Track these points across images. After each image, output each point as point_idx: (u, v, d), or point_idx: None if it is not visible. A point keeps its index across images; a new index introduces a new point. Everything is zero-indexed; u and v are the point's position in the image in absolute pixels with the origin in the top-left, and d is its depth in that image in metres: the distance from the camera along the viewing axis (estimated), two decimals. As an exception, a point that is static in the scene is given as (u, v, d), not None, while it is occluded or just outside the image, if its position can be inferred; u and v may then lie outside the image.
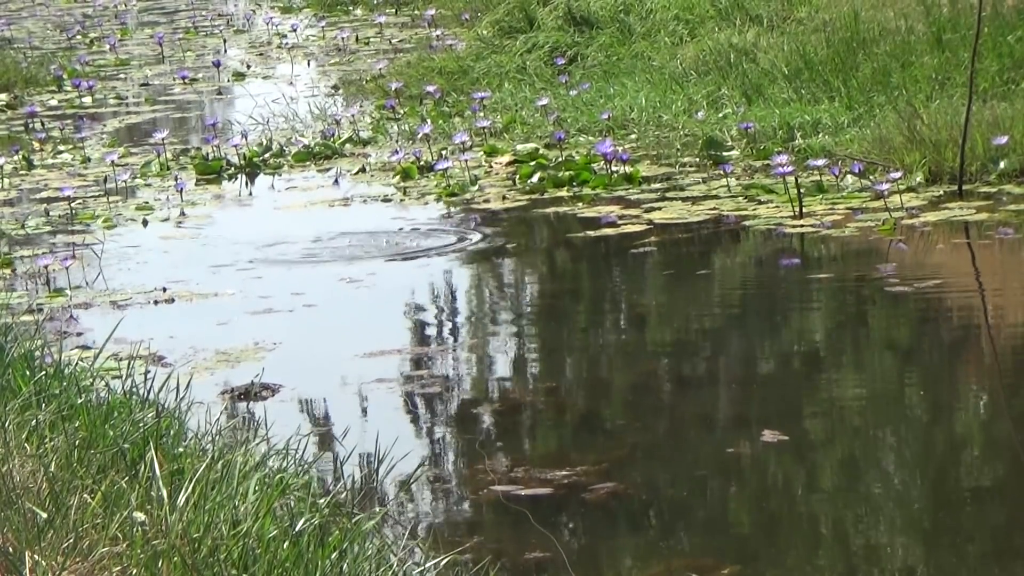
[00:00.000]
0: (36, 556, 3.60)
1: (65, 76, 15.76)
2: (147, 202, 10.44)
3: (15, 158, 11.66)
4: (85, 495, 4.10)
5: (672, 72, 12.67)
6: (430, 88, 12.97)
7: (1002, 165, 9.12)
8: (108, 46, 18.30)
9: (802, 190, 9.07)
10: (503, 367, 7.84)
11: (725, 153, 10.39)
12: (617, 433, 6.52)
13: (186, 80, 15.77)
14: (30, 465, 4.43)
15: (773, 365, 7.65)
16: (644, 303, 8.69)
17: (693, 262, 9.20)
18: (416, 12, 19.30)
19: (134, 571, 3.65)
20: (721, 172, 9.92)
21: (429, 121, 11.84)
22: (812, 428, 6.60)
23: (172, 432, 5.04)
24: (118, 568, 3.65)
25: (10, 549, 3.73)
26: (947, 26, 11.51)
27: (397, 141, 11.78)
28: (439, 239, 9.52)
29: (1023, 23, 11.43)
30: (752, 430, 6.31)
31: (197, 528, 3.79)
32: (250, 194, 11.16)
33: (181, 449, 4.88)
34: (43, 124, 13.36)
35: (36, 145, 12.48)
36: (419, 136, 11.49)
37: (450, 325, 8.52)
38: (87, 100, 14.77)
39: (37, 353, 5.86)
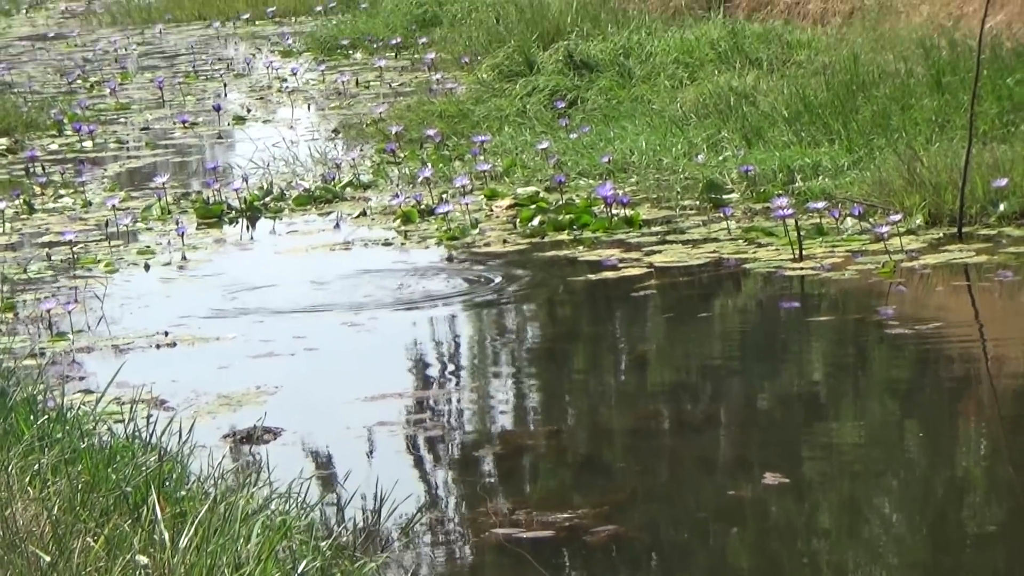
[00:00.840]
0: None
1: (66, 120, 15.94)
2: (148, 246, 10.56)
3: (16, 202, 11.87)
4: (88, 539, 4.14)
5: (672, 115, 12.80)
6: (430, 132, 13.13)
7: (1002, 208, 9.22)
8: (108, 90, 18.44)
9: (802, 233, 9.14)
10: (504, 410, 7.88)
11: (725, 196, 10.49)
12: (618, 476, 6.55)
13: (186, 124, 15.95)
14: (33, 509, 4.47)
15: (774, 408, 7.69)
16: (644, 346, 8.69)
17: (694, 305, 9.19)
18: (416, 56, 19.20)
19: None
20: (721, 215, 10.00)
21: (430, 165, 11.95)
22: (813, 471, 6.63)
23: (175, 476, 5.11)
24: None
25: None
26: (946, 69, 11.61)
27: (398, 185, 11.93)
28: (440, 283, 9.61)
29: (1022, 66, 11.53)
30: (754, 472, 6.34)
31: (200, 571, 3.85)
32: (251, 238, 11.23)
33: (183, 492, 4.92)
34: (44, 168, 13.59)
35: (37, 189, 12.62)
36: (420, 180, 11.61)
37: (451, 368, 8.50)
38: (88, 144, 14.97)
39: (40, 397, 5.95)
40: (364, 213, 11.22)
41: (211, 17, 24.48)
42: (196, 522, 4.16)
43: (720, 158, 11.37)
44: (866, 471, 6.30)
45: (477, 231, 10.37)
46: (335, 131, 15.20)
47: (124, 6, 26.26)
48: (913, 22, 13.86)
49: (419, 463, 6.80)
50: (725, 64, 14.00)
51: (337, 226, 11.10)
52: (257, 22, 24.15)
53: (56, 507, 4.47)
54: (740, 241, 9.53)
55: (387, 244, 10.49)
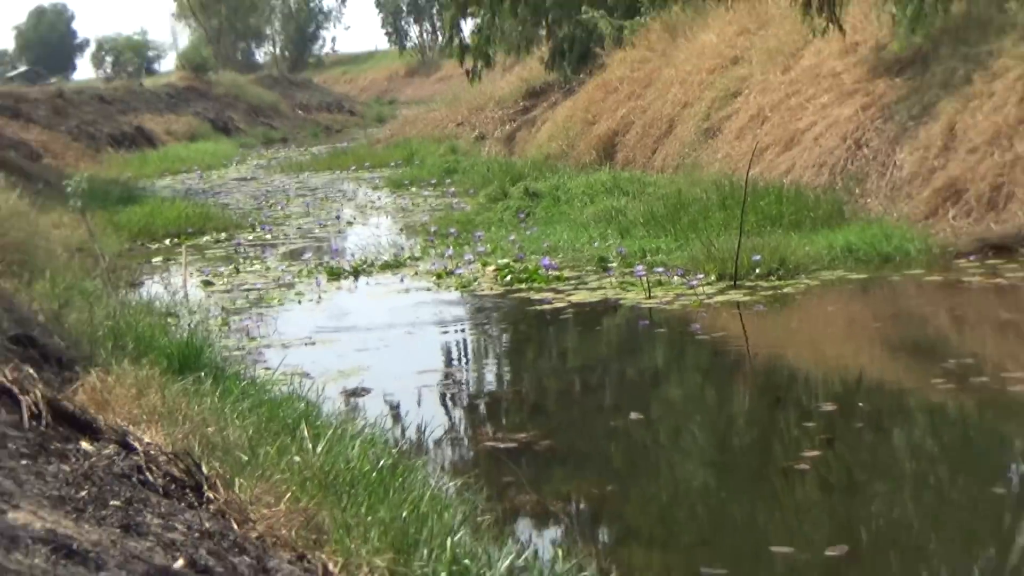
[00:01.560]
0: (241, 480, 4.55)
1: (256, 224, 19.86)
2: (300, 291, 13.06)
3: (230, 267, 15.02)
4: (267, 447, 5.22)
5: (581, 221, 15.89)
6: (452, 230, 16.22)
7: (757, 271, 11.67)
8: (279, 207, 22.92)
9: (650, 284, 11.46)
10: (490, 379, 10.01)
11: (609, 264, 12.72)
12: (551, 416, 8.32)
13: (321, 226, 19.88)
14: (239, 432, 5.42)
15: (636, 375, 9.62)
16: (566, 343, 10.99)
17: (591, 321, 11.32)
18: (444, 189, 23.50)
19: (294, 488, 4.66)
20: (606, 275, 12.44)
21: (451, 248, 14.60)
22: (657, 411, 8.43)
23: (314, 413, 6.45)
24: (285, 487, 4.65)
25: (227, 475, 4.64)
26: (728, 197, 14.28)
27: (434, 258, 14.44)
28: (457, 309, 12.20)
29: (768, 194, 14.25)
30: (624, 412, 7.98)
31: (328, 464, 5.05)
32: (355, 287, 13.42)
33: (319, 422, 6.15)
34: (244, 249, 16.80)
35: (241, 261, 15.55)
36: (446, 255, 14.19)
37: (462, 355, 10.73)
38: (268, 237, 18.32)
39: (242, 371, 7.69)
40: (416, 273, 13.80)
41: (335, 169, 31.26)
42: (326, 438, 5.37)
43: (606, 244, 13.94)
44: (683, 409, 8.33)
45: (476, 283, 12.76)
46: (401, 229, 18.79)
47: (288, 163, 34.23)
48: (712, 170, 16.72)
49: (445, 407, 8.56)
50: (609, 194, 17.49)
51: (401, 280, 13.36)
52: (359, 171, 30.26)
53: (251, 430, 5.54)
54: (617, 288, 11.83)
55: (428, 290, 12.84)
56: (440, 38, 30.57)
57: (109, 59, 71.33)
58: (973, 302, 10.83)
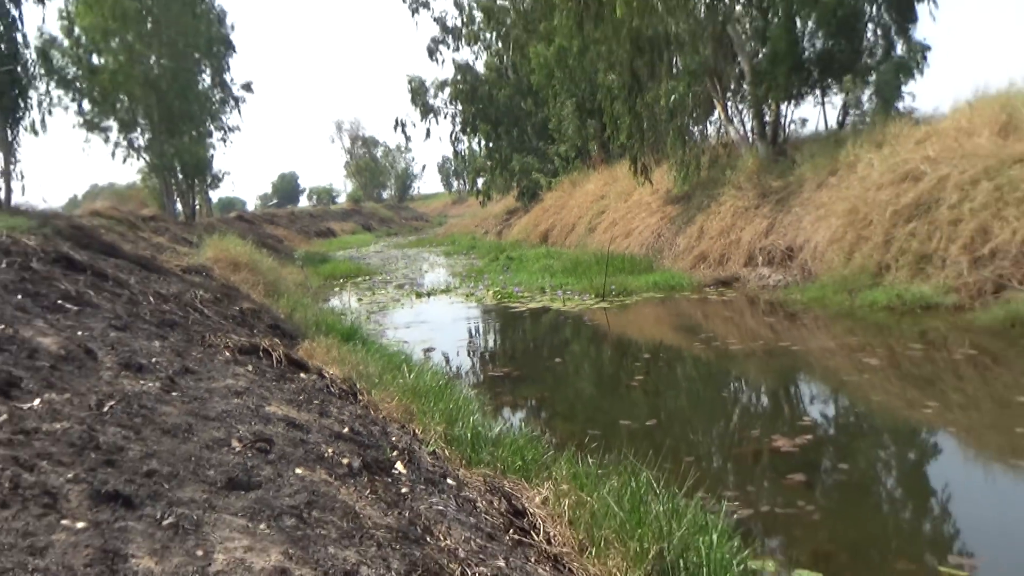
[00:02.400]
0: (374, 390, 5.81)
1: (382, 271, 24.92)
2: (402, 303, 16.78)
3: (370, 292, 18.82)
4: (387, 375, 6.69)
5: (532, 270, 20.47)
6: (472, 274, 20.88)
7: (613, 292, 15.34)
8: (392, 264, 28.02)
9: (564, 300, 15.23)
10: (491, 343, 12.82)
11: (545, 290, 16.37)
12: (519, 360, 10.92)
13: (412, 272, 24.58)
14: (373, 368, 6.95)
15: (563, 341, 12.08)
16: (524, 327, 13.69)
17: (537, 316, 14.16)
18: (469, 256, 28.79)
19: (399, 394, 5.91)
20: (544, 295, 15.99)
21: (472, 282, 18.84)
22: (570, 358, 10.82)
23: (408, 359, 8.33)
24: (395, 393, 5.92)
25: (368, 388, 5.74)
26: (603, 258, 18.12)
27: (464, 288, 18.46)
28: (475, 311, 15.51)
29: (618, 257, 18.54)
30: (552, 358, 10.67)
31: (415, 382, 6.66)
32: (427, 301, 17.08)
33: (411, 363, 7.79)
34: (376, 284, 21.01)
35: (375, 289, 19.51)
36: (470, 286, 18.49)
37: (478, 332, 13.55)
38: (387, 277, 22.65)
39: (375, 340, 10.03)
40: (455, 295, 17.66)
41: (418, 247, 38.07)
42: (414, 371, 7.11)
43: (544, 281, 17.94)
44: (579, 356, 10.97)
45: (483, 298, 16.38)
46: (449, 274, 23.04)
47: (396, 244, 42.12)
48: (592, 247, 22.41)
49: (470, 356, 11.20)
50: (545, 258, 22.53)
51: (449, 298, 17.36)
52: (430, 248, 36.41)
53: (379, 367, 7.19)
54: (549, 302, 15.27)
55: (461, 303, 16.43)
56: (467, 186, 48.81)
57: (314, 196, 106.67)
58: (711, 308, 13.72)
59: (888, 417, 7.09)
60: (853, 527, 4.79)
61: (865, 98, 18.02)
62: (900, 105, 16.93)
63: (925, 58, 16.68)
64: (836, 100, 19.07)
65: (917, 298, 10.96)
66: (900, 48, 17.10)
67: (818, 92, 18.96)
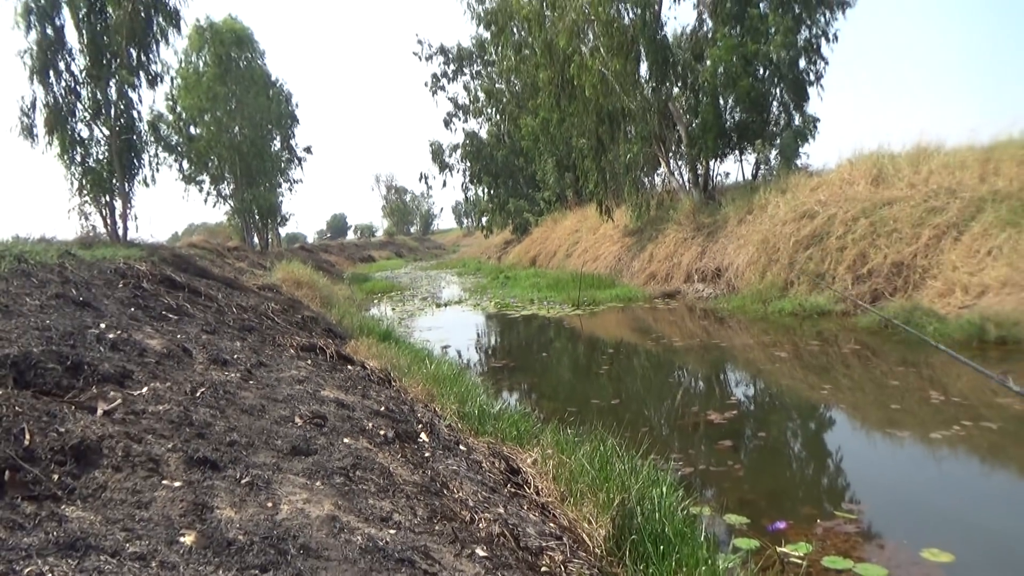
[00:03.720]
0: (405, 378, 5.75)
1: (410, 287, 24.05)
2: (425, 312, 16.09)
3: (401, 303, 17.86)
4: (414, 366, 6.44)
5: (524, 286, 19.64)
6: (478, 290, 19.46)
7: (585, 304, 14.89)
8: (418, 282, 26.77)
9: (548, 309, 14.77)
10: (494, 339, 12.60)
11: (535, 301, 15.63)
12: (515, 354, 10.46)
13: (433, 288, 23.42)
14: (404, 360, 6.85)
15: (543, 339, 11.71)
16: (518, 329, 13.15)
17: (528, 321, 13.73)
18: (476, 276, 27.58)
19: (424, 381, 5.95)
20: (532, 305, 15.52)
21: (479, 296, 17.74)
22: (556, 350, 10.44)
23: (430, 354, 8.03)
24: (420, 380, 5.84)
25: (400, 376, 5.71)
26: (575, 277, 18.15)
27: (472, 300, 17.48)
28: (481, 318, 14.73)
29: (589, 276, 18.27)
30: (540, 352, 10.32)
31: (436, 372, 6.42)
32: (445, 310, 16.37)
33: (432, 357, 7.72)
34: (406, 297, 19.85)
35: (405, 301, 18.42)
36: (477, 299, 17.36)
37: (483, 331, 13.36)
38: (414, 292, 21.67)
39: (405, 339, 9.67)
40: (466, 305, 16.88)
41: (438, 269, 36.75)
42: (435, 362, 6.91)
43: (532, 295, 17.14)
44: (560, 351, 10.64)
45: (488, 307, 15.75)
46: (462, 290, 21.89)
47: (421, 267, 40.29)
48: (569, 268, 21.97)
49: (477, 352, 10.72)
50: (534, 276, 21.84)
51: (461, 308, 16.38)
52: (446, 270, 34.97)
53: (408, 359, 6.97)
54: (537, 310, 14.96)
55: (471, 312, 15.79)
56: (475, 223, 46.35)
57: (359, 231, 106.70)
58: (660, 315, 13.31)
59: (794, 396, 7.01)
60: (769, 481, 4.72)
61: (772, 157, 17.95)
62: (798, 162, 16.91)
63: (816, 127, 16.81)
64: (750, 158, 19.06)
65: (814, 306, 10.96)
66: (797, 120, 17.11)
67: (737, 152, 18.96)
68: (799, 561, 3.39)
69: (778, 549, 3.46)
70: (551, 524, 3.14)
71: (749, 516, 4.01)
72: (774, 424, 6.10)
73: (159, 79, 19.76)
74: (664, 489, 3.60)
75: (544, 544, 2.76)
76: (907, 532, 3.71)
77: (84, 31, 18.07)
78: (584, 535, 3.08)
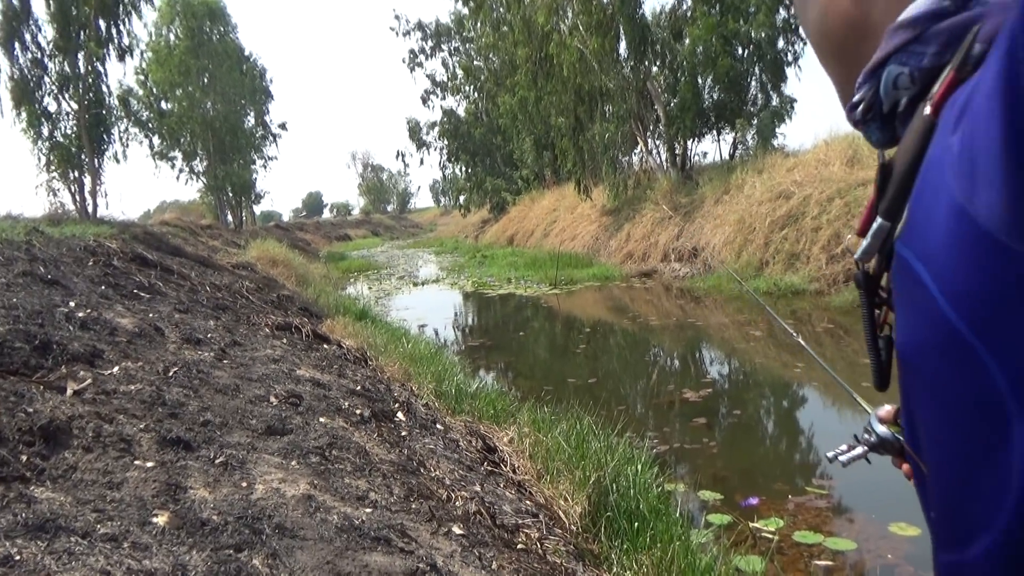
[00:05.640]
0: (381, 357, 5.71)
1: (387, 266, 23.86)
2: (402, 290, 16.12)
3: (378, 282, 17.72)
4: (391, 345, 6.41)
5: (501, 265, 19.47)
6: (455, 269, 19.92)
7: (562, 282, 14.76)
8: (395, 261, 26.47)
9: (525, 287, 14.71)
10: (472, 317, 12.75)
11: (512, 280, 15.56)
12: (492, 332, 10.78)
13: (410, 267, 23.14)
14: (380, 339, 6.75)
15: (520, 318, 11.93)
16: (495, 308, 13.33)
17: (505, 300, 13.83)
18: (454, 255, 26.80)
19: (400, 360, 5.85)
20: (509, 284, 15.37)
21: (457, 274, 17.64)
22: (533, 329, 10.55)
23: (407, 333, 8.07)
24: (397, 359, 5.78)
25: (376, 356, 5.70)
26: (552, 256, 17.92)
27: (450, 278, 17.45)
28: (458, 297, 14.62)
29: (566, 255, 18.03)
30: (517, 331, 10.50)
31: (412, 351, 6.52)
32: (422, 289, 16.36)
33: (409, 335, 7.82)
34: (383, 276, 19.84)
35: (381, 280, 18.39)
36: (454, 277, 17.19)
37: (461, 310, 13.54)
38: (391, 271, 21.56)
39: (382, 318, 9.66)
40: (443, 284, 16.89)
41: (415, 248, 35.94)
42: (412, 341, 7.03)
43: (509, 273, 17.03)
44: (537, 330, 10.77)
45: (465, 286, 15.73)
46: (439, 268, 21.81)
47: (398, 246, 39.77)
48: (547, 247, 21.94)
49: (454, 330, 10.58)
50: (511, 255, 21.64)
51: (438, 287, 16.45)
52: (423, 249, 34.20)
53: (384, 338, 6.83)
54: (514, 289, 14.88)
55: (448, 291, 15.82)
56: (452, 202, 44.36)
57: (335, 209, 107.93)
58: (636, 294, 13.38)
59: (768, 374, 7.07)
60: (743, 458, 4.75)
61: (749, 137, 18.12)
62: (775, 142, 17.00)
63: (793, 107, 17.14)
64: (728, 138, 19.33)
65: (789, 286, 11.05)
66: (775, 100, 17.37)
67: (715, 132, 19.08)
68: (771, 536, 3.44)
69: (750, 524, 3.50)
70: (527, 502, 3.14)
71: (723, 492, 4.04)
72: (748, 402, 6.14)
73: (129, 52, 19.34)
74: (639, 467, 3.61)
75: (520, 521, 2.76)
76: (876, 507, 3.77)
77: (51, 1, 17.67)
78: (560, 512, 3.10)
